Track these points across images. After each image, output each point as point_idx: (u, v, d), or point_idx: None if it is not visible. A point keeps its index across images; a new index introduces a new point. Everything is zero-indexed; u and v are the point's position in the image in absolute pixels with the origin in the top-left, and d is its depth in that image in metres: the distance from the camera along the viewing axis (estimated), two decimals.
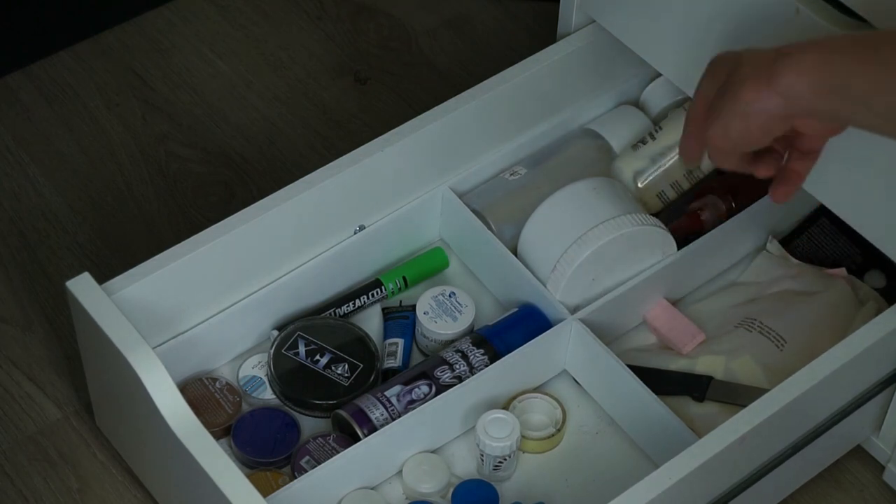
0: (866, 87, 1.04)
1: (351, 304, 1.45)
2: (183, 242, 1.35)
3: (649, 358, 1.42)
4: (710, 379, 1.38)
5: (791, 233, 1.52)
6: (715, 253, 1.47)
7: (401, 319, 1.45)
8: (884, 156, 1.25)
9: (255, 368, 1.41)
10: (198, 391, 1.40)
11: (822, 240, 1.50)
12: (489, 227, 1.46)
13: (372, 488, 1.35)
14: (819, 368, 1.27)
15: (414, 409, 1.34)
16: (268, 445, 1.36)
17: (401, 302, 1.47)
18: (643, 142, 1.49)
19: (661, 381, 1.38)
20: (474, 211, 1.47)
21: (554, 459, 1.38)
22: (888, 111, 1.04)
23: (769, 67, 1.08)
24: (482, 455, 1.34)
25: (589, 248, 1.37)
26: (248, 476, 1.26)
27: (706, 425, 1.33)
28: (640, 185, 1.47)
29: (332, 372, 1.39)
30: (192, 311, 1.38)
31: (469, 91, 1.46)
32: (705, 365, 1.39)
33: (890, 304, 1.39)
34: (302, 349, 1.40)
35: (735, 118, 1.11)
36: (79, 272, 1.30)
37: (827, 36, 1.10)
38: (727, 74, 1.13)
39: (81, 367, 1.39)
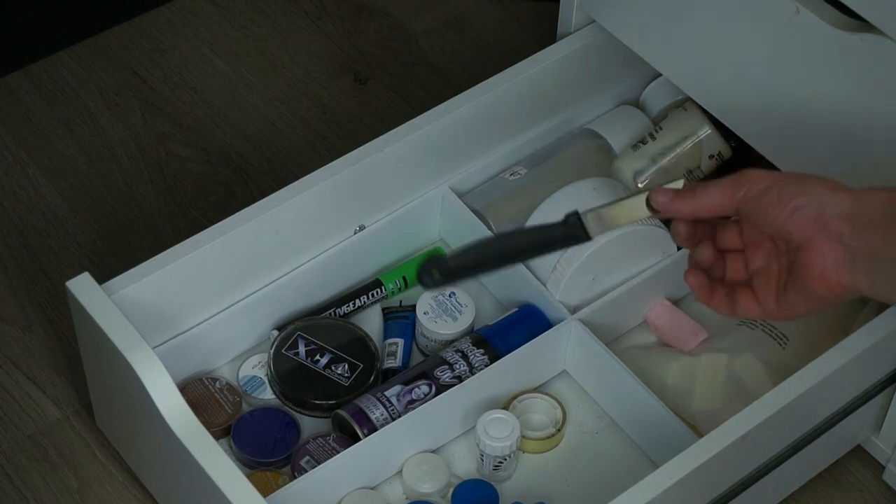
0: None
1: (351, 304, 1.45)
2: (183, 242, 1.35)
3: (650, 356, 1.42)
4: (575, 213, 1.14)
5: None
6: None
7: (401, 319, 1.45)
8: (883, 155, 1.25)
9: (255, 368, 1.41)
10: (198, 391, 1.40)
11: None
12: (489, 227, 1.46)
13: (372, 488, 1.35)
14: (819, 368, 1.27)
15: (414, 409, 1.34)
16: (268, 445, 1.36)
17: (401, 302, 1.47)
18: (643, 142, 1.49)
19: (533, 243, 1.15)
20: (474, 211, 1.47)
21: (554, 459, 1.38)
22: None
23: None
24: (482, 455, 1.34)
25: (589, 248, 1.37)
26: (248, 476, 1.26)
27: (706, 425, 1.33)
28: (640, 185, 1.47)
29: (332, 372, 1.39)
30: (192, 311, 1.38)
31: (469, 91, 1.46)
32: (708, 363, 1.39)
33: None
34: (302, 349, 1.40)
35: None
36: (79, 272, 1.30)
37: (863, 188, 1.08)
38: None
39: (81, 367, 1.38)
